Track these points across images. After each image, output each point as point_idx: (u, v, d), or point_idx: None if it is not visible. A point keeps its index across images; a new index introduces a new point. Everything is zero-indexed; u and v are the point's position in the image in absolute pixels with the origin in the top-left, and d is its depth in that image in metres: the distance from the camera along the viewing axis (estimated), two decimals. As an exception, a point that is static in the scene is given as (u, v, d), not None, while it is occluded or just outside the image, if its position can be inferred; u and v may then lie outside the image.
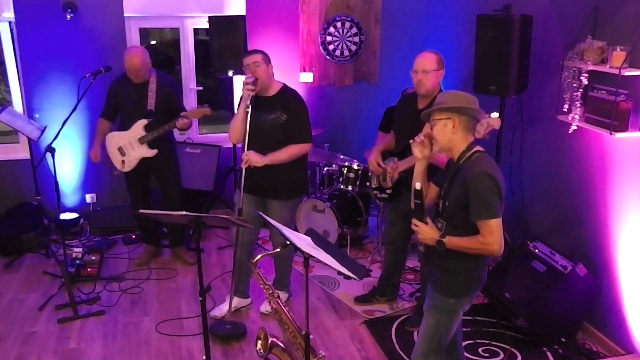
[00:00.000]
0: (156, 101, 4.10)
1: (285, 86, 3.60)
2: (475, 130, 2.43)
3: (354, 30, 5.39)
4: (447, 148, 2.45)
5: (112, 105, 4.26)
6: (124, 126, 4.20)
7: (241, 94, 3.49)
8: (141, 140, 4.13)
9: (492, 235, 2.30)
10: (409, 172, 3.39)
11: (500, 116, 3.85)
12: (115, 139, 4.19)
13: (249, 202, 3.59)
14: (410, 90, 3.72)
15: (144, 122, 4.10)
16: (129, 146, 4.15)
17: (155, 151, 4.16)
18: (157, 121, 4.09)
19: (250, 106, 3.39)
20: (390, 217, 3.83)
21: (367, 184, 4.85)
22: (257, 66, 3.43)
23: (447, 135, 2.41)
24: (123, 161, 4.21)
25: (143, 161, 4.21)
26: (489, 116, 2.87)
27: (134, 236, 4.91)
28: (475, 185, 2.31)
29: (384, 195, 3.66)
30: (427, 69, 3.29)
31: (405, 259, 3.98)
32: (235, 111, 3.66)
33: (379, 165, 3.58)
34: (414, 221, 2.45)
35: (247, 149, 3.43)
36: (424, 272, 3.71)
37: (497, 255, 2.37)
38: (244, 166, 3.43)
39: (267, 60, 3.49)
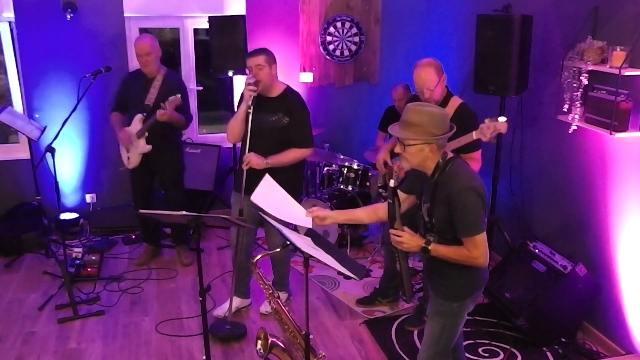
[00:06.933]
0: (156, 97, 4.10)
1: (288, 88, 3.57)
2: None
3: (354, 30, 5.39)
4: (420, 167, 2.38)
5: (122, 98, 4.31)
6: (129, 121, 4.23)
7: (242, 93, 3.47)
8: (137, 135, 4.14)
9: (477, 249, 2.31)
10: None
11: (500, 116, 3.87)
12: None
13: (246, 203, 3.58)
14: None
15: (140, 116, 4.13)
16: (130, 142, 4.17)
17: (149, 147, 4.15)
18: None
19: (251, 107, 3.37)
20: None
21: (367, 184, 4.86)
22: (259, 69, 3.39)
23: (422, 158, 2.33)
24: (128, 157, 4.24)
25: (148, 160, 4.22)
26: (497, 120, 2.85)
27: (134, 236, 4.91)
28: (459, 203, 2.27)
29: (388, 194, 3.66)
30: (430, 87, 3.22)
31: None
32: (235, 110, 3.65)
33: (386, 163, 3.58)
34: (394, 232, 2.38)
35: (248, 151, 3.42)
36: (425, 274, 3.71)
37: (482, 267, 2.38)
38: (245, 168, 3.43)
39: (270, 61, 3.43)
